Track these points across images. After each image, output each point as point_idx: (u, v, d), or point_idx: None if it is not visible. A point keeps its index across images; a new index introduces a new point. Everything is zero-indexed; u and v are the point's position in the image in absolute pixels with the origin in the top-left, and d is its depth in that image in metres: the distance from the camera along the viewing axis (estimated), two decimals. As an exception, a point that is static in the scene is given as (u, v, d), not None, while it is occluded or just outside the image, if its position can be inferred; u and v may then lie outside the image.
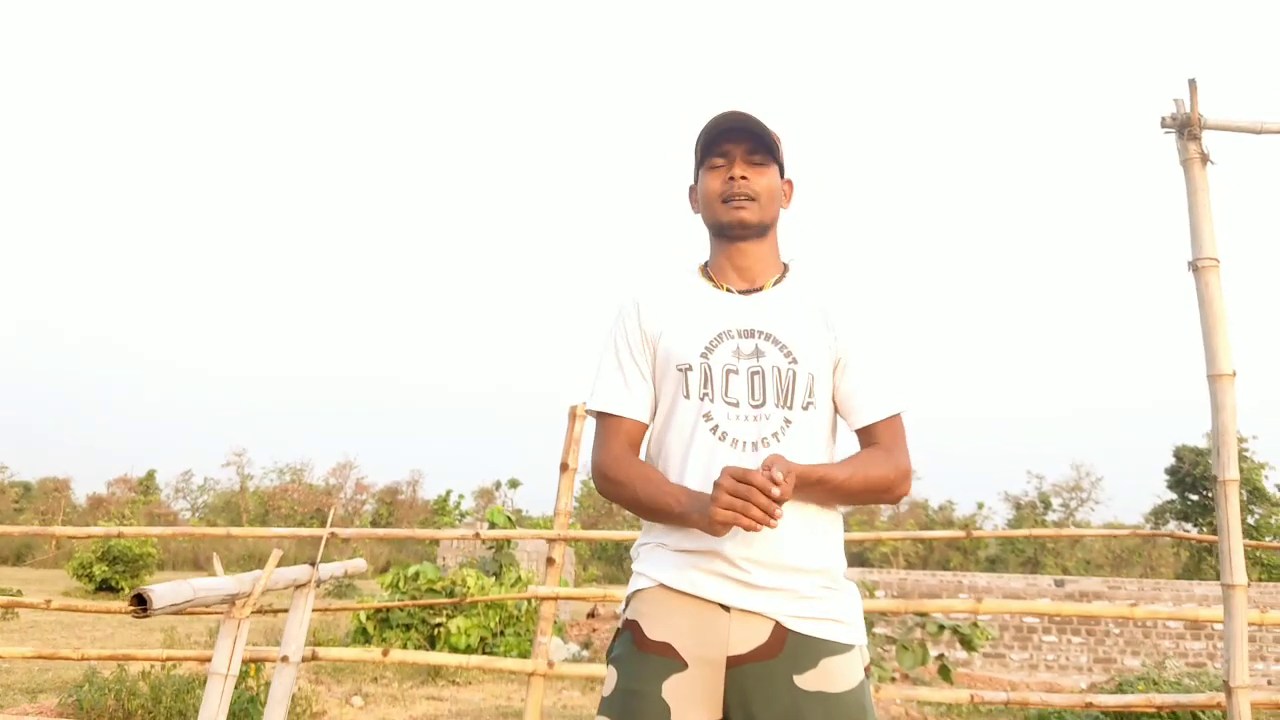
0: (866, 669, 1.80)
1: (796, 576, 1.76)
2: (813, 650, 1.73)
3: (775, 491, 1.56)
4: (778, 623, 1.73)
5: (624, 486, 1.84)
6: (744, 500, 1.57)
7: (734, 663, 1.71)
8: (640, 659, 1.77)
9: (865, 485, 1.79)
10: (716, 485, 1.61)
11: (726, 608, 1.74)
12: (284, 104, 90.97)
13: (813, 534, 1.80)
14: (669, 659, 1.74)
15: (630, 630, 1.82)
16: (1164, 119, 3.12)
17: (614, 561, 39.46)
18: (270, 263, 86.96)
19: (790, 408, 1.82)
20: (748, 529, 1.59)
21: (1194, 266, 3.07)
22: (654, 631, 1.77)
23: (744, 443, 1.80)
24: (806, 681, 1.70)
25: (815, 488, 1.73)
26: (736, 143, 1.91)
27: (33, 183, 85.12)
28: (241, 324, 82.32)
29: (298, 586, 3.76)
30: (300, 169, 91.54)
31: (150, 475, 53.69)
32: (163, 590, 2.60)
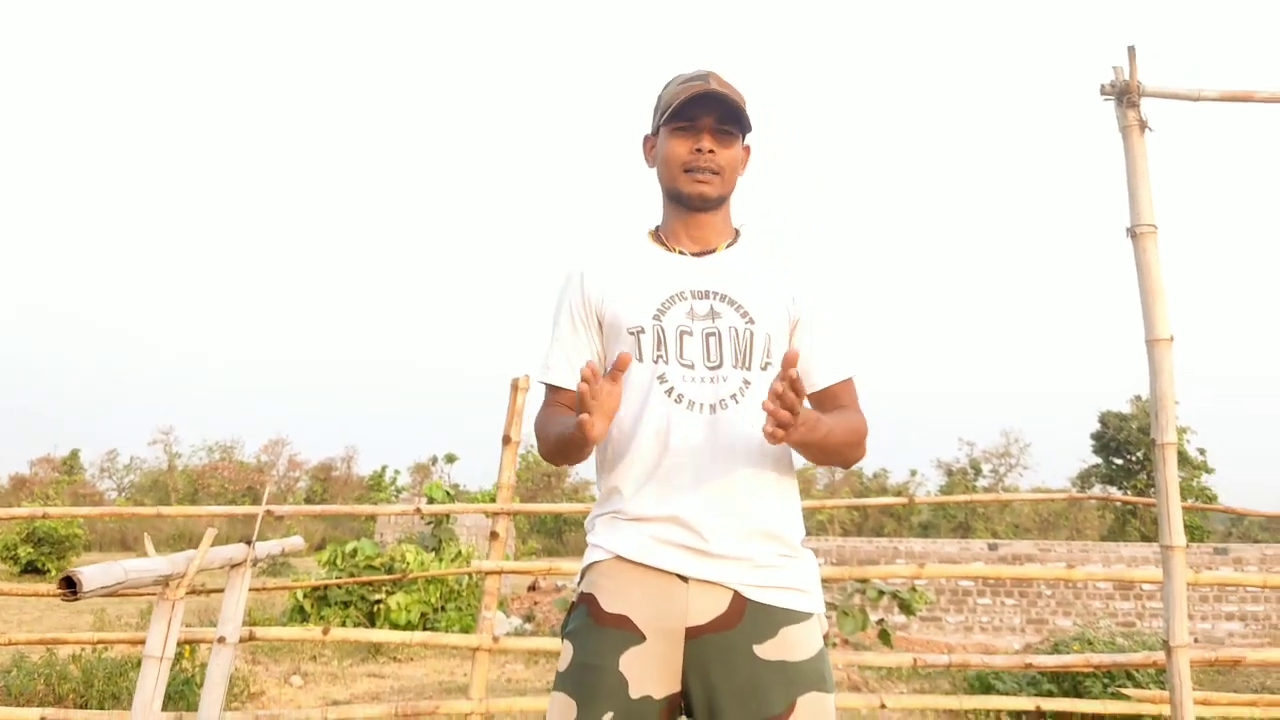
0: (825, 637, 1.79)
1: (755, 543, 1.73)
2: (772, 619, 1.71)
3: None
4: (736, 592, 1.71)
5: (541, 439, 1.87)
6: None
7: (693, 634, 1.69)
8: (597, 632, 1.73)
9: (845, 440, 1.77)
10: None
11: (684, 578, 1.71)
12: (237, 94, 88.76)
13: (771, 498, 1.78)
14: (626, 631, 1.71)
15: (586, 603, 1.78)
16: (1103, 86, 3.14)
17: (553, 534, 39.44)
18: (196, 235, 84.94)
19: (749, 368, 1.80)
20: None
21: (1132, 233, 3.10)
22: (610, 604, 1.74)
23: (701, 405, 1.77)
24: (766, 651, 1.68)
25: (815, 444, 1.68)
26: (707, 112, 1.85)
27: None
28: (166, 299, 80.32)
29: (233, 566, 3.67)
30: (240, 144, 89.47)
31: (74, 454, 52.33)
32: (92, 572, 2.51)
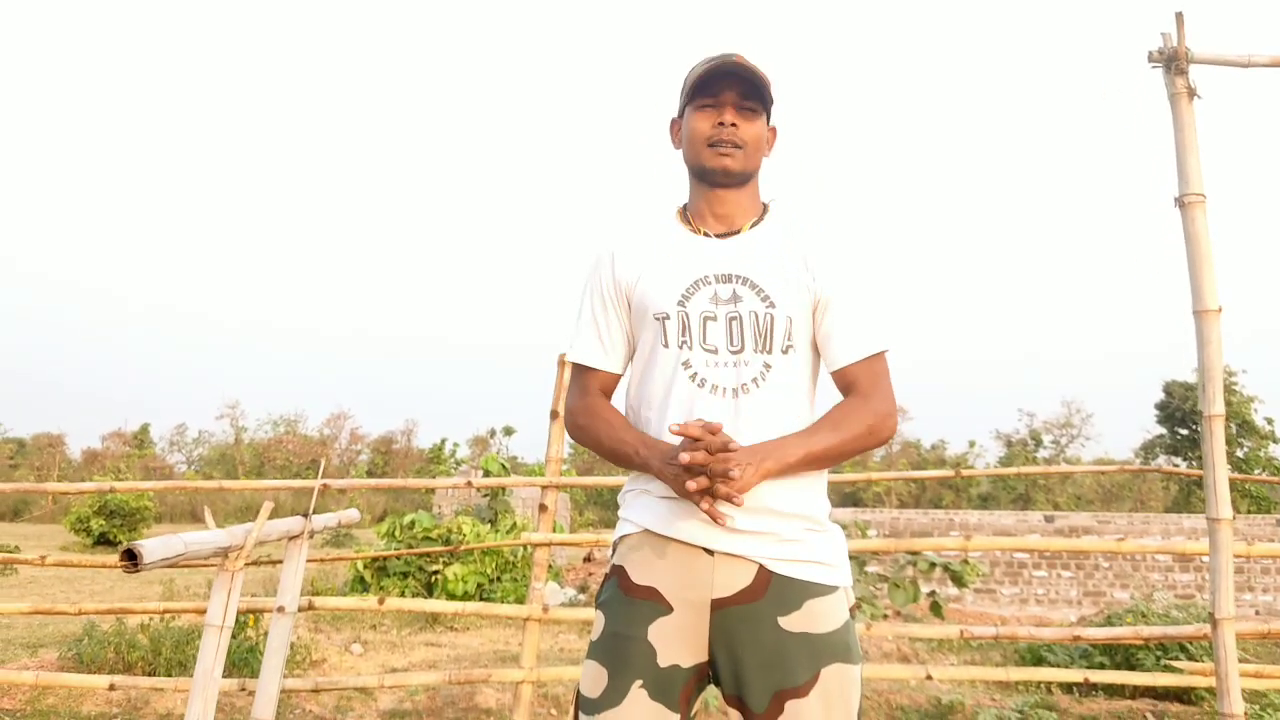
0: (852, 610, 1.82)
1: (778, 520, 1.76)
2: (797, 592, 1.74)
3: (734, 474, 1.61)
4: (761, 565, 1.74)
5: (587, 431, 1.90)
6: (708, 474, 1.63)
7: (718, 605, 1.73)
8: (626, 603, 1.79)
9: (847, 444, 1.77)
10: (680, 450, 1.66)
11: (710, 551, 1.75)
12: (283, 63, 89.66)
13: (794, 478, 1.79)
14: (654, 603, 1.76)
15: (617, 575, 1.84)
16: (1151, 53, 3.09)
17: (609, 506, 39.71)
18: (261, 214, 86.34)
19: (769, 352, 1.82)
20: (709, 510, 1.65)
21: (1180, 202, 3.06)
22: (639, 576, 1.79)
23: (724, 389, 1.80)
24: (791, 623, 1.72)
25: (800, 467, 1.73)
26: (730, 87, 1.87)
27: (27, 130, 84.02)
28: (233, 275, 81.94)
29: (291, 538, 3.78)
30: (297, 121, 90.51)
31: (144, 429, 53.69)
32: (153, 545, 2.61)
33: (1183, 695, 6.01)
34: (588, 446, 1.91)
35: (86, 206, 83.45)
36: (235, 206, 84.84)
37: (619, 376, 1.97)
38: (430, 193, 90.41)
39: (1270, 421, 34.21)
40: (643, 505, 1.84)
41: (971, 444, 49.82)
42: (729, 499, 1.62)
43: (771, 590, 1.73)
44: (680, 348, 1.83)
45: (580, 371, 1.97)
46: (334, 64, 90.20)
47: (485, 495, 13.50)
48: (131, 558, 2.52)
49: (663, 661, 1.73)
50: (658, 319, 1.86)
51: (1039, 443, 48.09)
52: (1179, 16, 3.05)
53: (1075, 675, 4.54)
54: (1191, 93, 3.08)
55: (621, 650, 1.75)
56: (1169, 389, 36.45)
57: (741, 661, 1.71)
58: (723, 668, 1.73)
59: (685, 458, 1.63)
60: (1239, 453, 33.22)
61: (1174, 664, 4.50)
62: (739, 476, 1.62)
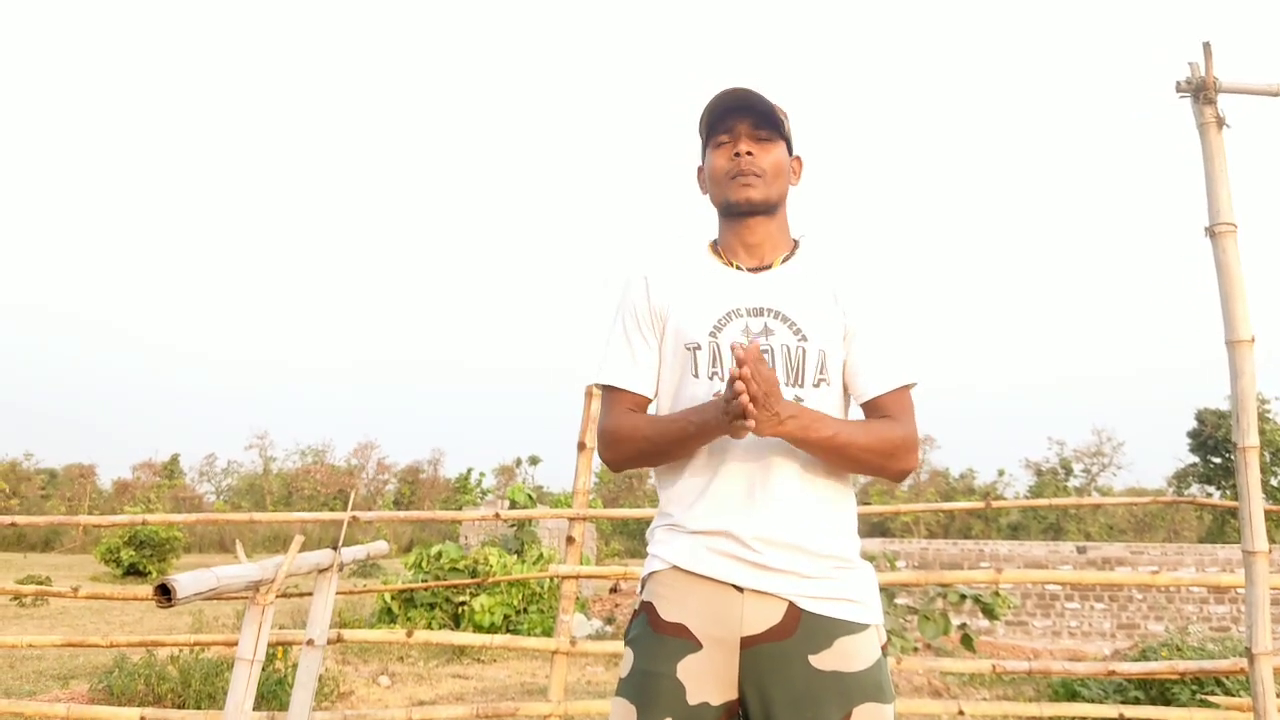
0: (884, 647, 1.81)
1: (808, 559, 1.75)
2: (827, 630, 1.73)
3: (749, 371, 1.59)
4: (791, 603, 1.73)
5: (630, 440, 1.86)
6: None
7: (748, 643, 1.72)
8: (656, 640, 1.78)
9: (870, 446, 1.77)
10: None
11: (740, 589, 1.74)
12: (294, 89, 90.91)
13: (823, 512, 1.80)
14: (684, 640, 1.75)
15: (646, 612, 1.83)
16: (1179, 83, 3.09)
17: (636, 536, 39.52)
18: (285, 245, 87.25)
19: (801, 385, 1.82)
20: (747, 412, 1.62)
21: (1211, 232, 3.04)
22: (669, 613, 1.78)
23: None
24: (822, 661, 1.71)
25: (820, 444, 1.72)
26: (741, 119, 1.89)
27: (51, 169, 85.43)
28: (258, 308, 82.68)
29: (320, 570, 3.79)
30: (316, 150, 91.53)
31: (174, 459, 54.00)
32: (186, 580, 2.62)
33: (1220, 730, 5.90)
34: (631, 461, 1.88)
35: (113, 244, 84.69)
36: (261, 238, 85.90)
37: (649, 401, 1.93)
38: (455, 220, 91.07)
39: (1305, 450, 33.73)
40: (672, 542, 1.83)
41: (1001, 473, 49.37)
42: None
43: (802, 628, 1.72)
44: (711, 378, 1.84)
45: (611, 393, 1.93)
46: (349, 90, 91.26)
47: (512, 526, 13.50)
48: (165, 592, 2.53)
49: (692, 699, 1.72)
50: (689, 349, 1.86)
51: (1069, 472, 47.61)
52: (1206, 46, 3.04)
53: (1110, 711, 4.47)
54: (1220, 122, 3.06)
55: (650, 688, 1.74)
56: (1201, 417, 36.04)
57: (772, 700, 1.70)
58: (752, 706, 1.72)
59: (739, 385, 1.60)
60: (1273, 481, 32.76)
61: (1210, 699, 4.43)
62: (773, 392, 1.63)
